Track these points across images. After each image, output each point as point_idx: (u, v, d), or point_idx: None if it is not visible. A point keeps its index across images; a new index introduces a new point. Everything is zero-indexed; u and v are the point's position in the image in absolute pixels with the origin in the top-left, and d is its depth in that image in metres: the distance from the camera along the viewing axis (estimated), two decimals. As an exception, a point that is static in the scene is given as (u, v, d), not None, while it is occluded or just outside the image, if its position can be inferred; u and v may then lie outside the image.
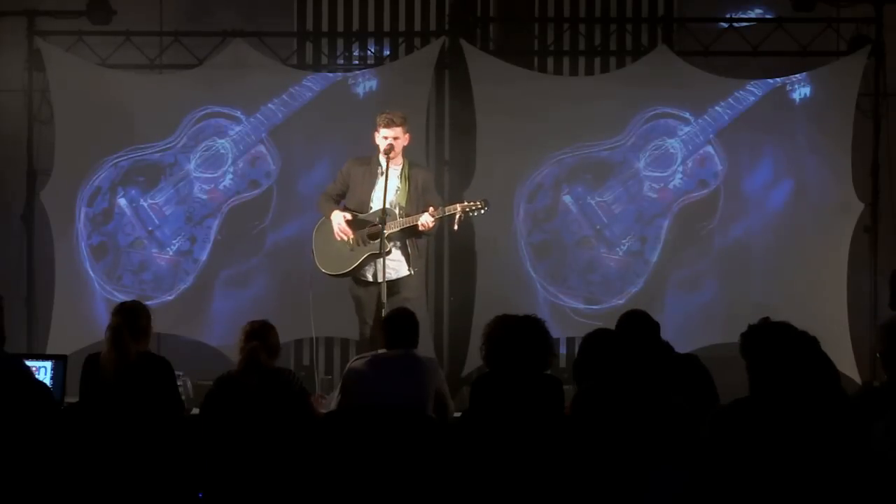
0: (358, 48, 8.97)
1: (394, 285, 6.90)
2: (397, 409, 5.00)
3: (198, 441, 4.76)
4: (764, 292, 8.23)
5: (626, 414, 4.22)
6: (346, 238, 6.90)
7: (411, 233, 6.88)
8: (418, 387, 5.26)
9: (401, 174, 6.97)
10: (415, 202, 6.90)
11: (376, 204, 6.89)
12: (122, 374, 4.77)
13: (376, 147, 6.94)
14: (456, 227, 6.92)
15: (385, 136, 6.89)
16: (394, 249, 6.90)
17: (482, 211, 6.89)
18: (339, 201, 7.12)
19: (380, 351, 5.44)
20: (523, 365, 4.68)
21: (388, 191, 6.83)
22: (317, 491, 4.68)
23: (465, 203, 6.87)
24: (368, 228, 6.89)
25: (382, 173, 6.90)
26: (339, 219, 6.96)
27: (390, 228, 6.78)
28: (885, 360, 4.64)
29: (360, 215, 6.96)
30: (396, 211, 6.87)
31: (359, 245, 6.91)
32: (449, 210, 6.83)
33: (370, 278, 6.92)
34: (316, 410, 5.43)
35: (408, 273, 6.95)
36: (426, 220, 6.74)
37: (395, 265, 6.92)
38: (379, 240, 6.77)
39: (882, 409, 4.27)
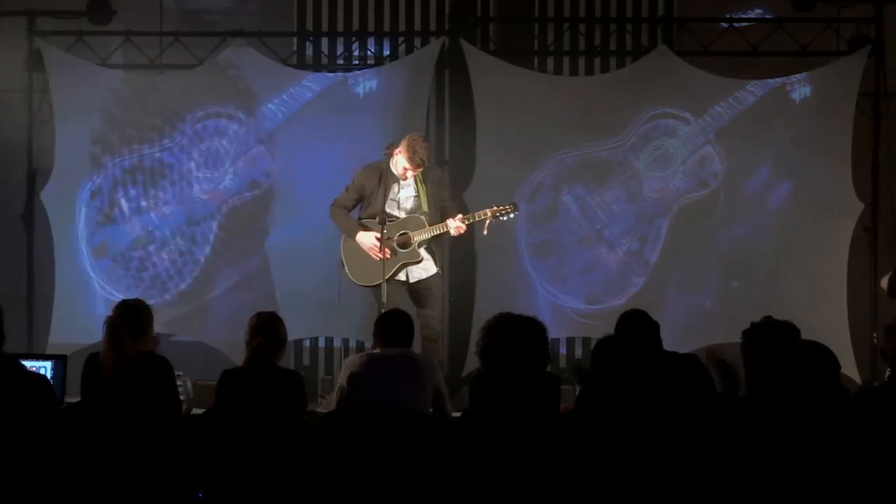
0: (358, 48, 8.97)
1: (421, 283, 7.10)
2: (396, 409, 5.00)
3: (199, 440, 4.75)
4: (764, 292, 8.23)
5: (624, 414, 4.22)
6: (386, 257, 6.99)
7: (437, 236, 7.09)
8: (416, 386, 5.27)
9: (415, 179, 7.10)
10: (434, 204, 7.07)
11: (397, 212, 7.09)
12: (120, 372, 4.73)
13: (388, 155, 7.08)
14: (486, 231, 7.12)
15: (406, 168, 7.01)
16: (423, 254, 7.09)
17: (512, 215, 7.09)
18: (350, 210, 7.25)
19: (375, 350, 5.44)
20: (517, 363, 4.68)
21: (405, 199, 7.08)
22: (316, 491, 4.68)
23: (496, 207, 7.04)
24: (397, 238, 7.03)
25: (396, 181, 7.08)
26: (371, 241, 7.06)
27: (420, 236, 7.00)
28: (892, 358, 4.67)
29: (392, 217, 7.08)
30: (420, 216, 7.05)
31: (392, 252, 7.05)
32: (479, 216, 7.01)
33: (403, 278, 7.10)
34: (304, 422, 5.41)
35: (435, 272, 7.14)
36: (458, 226, 6.96)
37: (425, 265, 7.12)
38: (411, 247, 6.99)
39: (882, 409, 4.27)
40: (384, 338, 5.40)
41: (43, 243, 8.63)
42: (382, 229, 6.95)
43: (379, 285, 7.02)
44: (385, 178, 7.06)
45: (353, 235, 7.15)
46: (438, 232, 7.03)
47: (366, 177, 7.16)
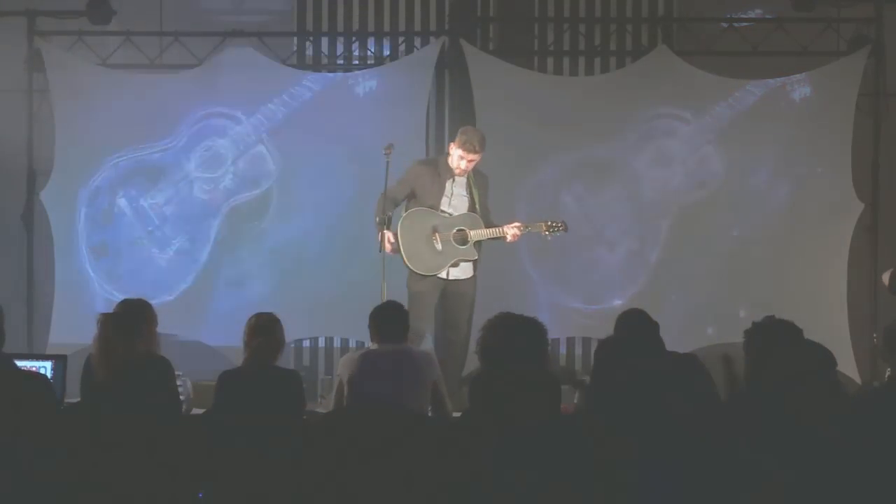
0: (358, 48, 8.97)
1: (460, 283, 7.16)
2: (395, 408, 4.99)
3: (198, 440, 4.75)
4: (764, 292, 8.22)
5: (624, 414, 4.22)
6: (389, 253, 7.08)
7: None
8: (415, 383, 5.27)
9: (468, 179, 7.15)
10: (483, 207, 7.18)
11: (448, 209, 7.13)
12: (110, 370, 4.69)
13: (446, 153, 7.18)
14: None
15: (461, 157, 7.05)
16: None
17: (561, 232, 7.26)
18: (399, 203, 7.25)
19: (372, 348, 5.44)
20: (517, 363, 4.67)
21: (457, 197, 7.14)
22: (316, 491, 4.68)
23: (549, 223, 7.22)
24: (456, 232, 7.10)
25: (451, 178, 7.12)
26: (385, 238, 7.12)
27: (478, 235, 7.09)
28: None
29: (445, 213, 7.14)
30: (476, 215, 7.14)
31: (450, 246, 7.10)
32: (533, 228, 7.19)
33: (444, 275, 7.15)
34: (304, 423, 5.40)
35: (471, 276, 7.20)
36: (515, 233, 7.11)
37: (466, 266, 7.18)
38: (468, 245, 7.08)
39: (882, 409, 4.27)
40: (380, 332, 5.40)
41: (43, 243, 8.63)
42: (383, 229, 6.98)
43: (427, 277, 7.07)
44: (442, 174, 7.10)
45: (379, 228, 7.12)
46: (496, 235, 7.13)
47: (421, 171, 7.20)
